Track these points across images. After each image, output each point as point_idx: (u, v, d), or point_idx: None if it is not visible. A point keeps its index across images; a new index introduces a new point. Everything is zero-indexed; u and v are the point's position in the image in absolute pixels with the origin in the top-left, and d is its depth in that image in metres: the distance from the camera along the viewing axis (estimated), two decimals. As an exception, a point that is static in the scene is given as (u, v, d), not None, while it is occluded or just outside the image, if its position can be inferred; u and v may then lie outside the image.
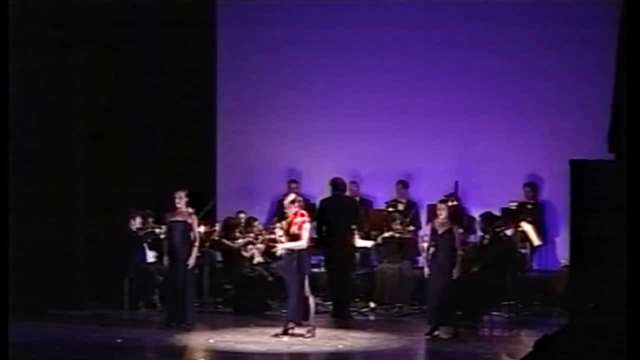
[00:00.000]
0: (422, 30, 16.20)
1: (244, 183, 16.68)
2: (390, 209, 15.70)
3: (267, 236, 14.93)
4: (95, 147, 14.94)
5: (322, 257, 14.56)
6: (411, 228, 15.34)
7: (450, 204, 13.15)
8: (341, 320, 13.94)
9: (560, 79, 15.81)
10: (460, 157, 15.96)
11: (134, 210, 14.97)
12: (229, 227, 15.02)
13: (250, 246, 15.08)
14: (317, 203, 14.78)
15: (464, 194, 15.14)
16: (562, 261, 14.42)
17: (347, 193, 14.95)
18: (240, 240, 14.96)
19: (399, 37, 16.29)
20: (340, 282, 14.26)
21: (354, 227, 14.48)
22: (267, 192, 16.61)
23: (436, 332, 12.63)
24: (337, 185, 14.45)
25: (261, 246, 15.09)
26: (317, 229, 14.17)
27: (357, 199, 15.87)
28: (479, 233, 14.57)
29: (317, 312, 12.95)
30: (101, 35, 15.04)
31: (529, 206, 15.43)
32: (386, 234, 15.08)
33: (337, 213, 14.23)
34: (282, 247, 12.61)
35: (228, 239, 14.94)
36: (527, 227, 14.77)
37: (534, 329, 13.08)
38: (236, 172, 16.75)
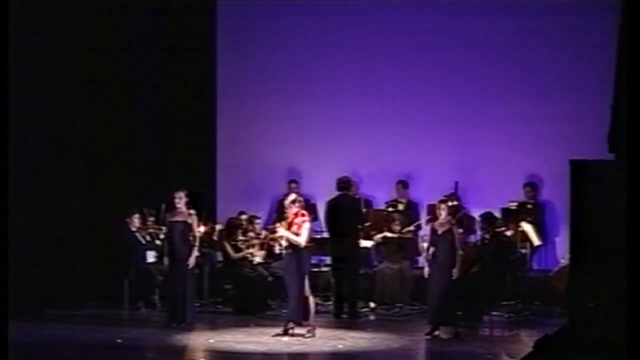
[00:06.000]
0: (422, 32, 16.21)
1: (244, 183, 16.68)
2: (390, 209, 15.70)
3: (269, 236, 14.94)
4: (95, 147, 14.96)
5: (327, 257, 14.62)
6: (411, 228, 15.34)
7: (450, 204, 13.14)
8: (349, 319, 13.99)
9: (561, 79, 15.81)
10: (460, 157, 15.96)
11: (133, 210, 14.99)
12: (232, 228, 15.02)
13: (251, 249, 15.08)
14: (325, 203, 14.77)
15: (464, 194, 15.13)
16: (562, 261, 14.41)
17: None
18: (242, 251, 14.96)
19: (400, 38, 16.29)
20: (349, 281, 14.27)
21: (359, 226, 14.53)
22: (267, 192, 16.61)
23: (436, 332, 12.62)
24: (341, 184, 14.47)
25: (261, 252, 15.09)
26: (328, 228, 14.41)
27: (361, 198, 15.88)
28: (479, 233, 14.57)
29: (317, 312, 12.95)
30: (101, 38, 15.05)
31: (529, 206, 15.42)
32: (386, 234, 15.10)
33: (344, 212, 14.27)
34: (282, 233, 12.59)
35: (230, 240, 14.94)
36: (527, 227, 14.77)
37: (534, 329, 13.08)
38: (236, 172, 16.74)
